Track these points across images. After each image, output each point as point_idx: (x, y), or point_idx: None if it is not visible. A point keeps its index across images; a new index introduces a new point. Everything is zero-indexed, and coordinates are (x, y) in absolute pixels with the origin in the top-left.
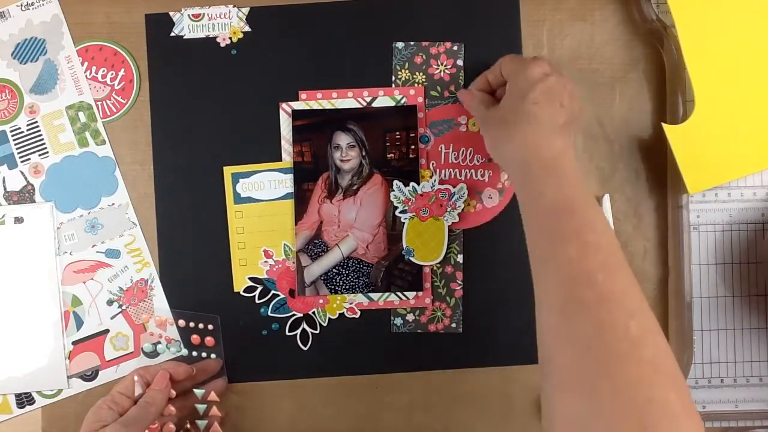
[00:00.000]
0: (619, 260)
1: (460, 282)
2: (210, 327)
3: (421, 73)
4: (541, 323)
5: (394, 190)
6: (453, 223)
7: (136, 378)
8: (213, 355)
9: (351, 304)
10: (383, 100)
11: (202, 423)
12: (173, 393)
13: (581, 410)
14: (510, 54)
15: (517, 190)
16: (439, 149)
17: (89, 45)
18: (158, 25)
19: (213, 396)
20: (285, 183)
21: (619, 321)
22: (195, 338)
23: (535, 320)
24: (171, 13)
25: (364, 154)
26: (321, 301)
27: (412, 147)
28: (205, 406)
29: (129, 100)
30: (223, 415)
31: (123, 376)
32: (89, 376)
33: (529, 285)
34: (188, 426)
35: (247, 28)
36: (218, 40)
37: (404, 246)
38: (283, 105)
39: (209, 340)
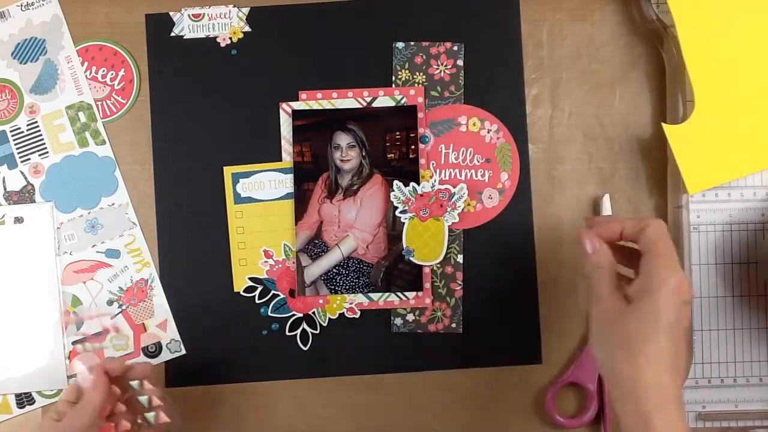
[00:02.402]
0: None
1: (460, 282)
2: None
3: (422, 74)
4: None
5: (394, 190)
6: (453, 223)
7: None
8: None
9: (351, 304)
10: (383, 100)
11: (143, 399)
12: (117, 390)
13: None
14: (660, 220)
15: (622, 420)
16: (439, 149)
17: (89, 45)
18: (158, 25)
19: (147, 385)
20: (285, 183)
21: None
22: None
23: None
24: (171, 13)
25: (364, 154)
26: (321, 301)
27: (412, 147)
28: (140, 390)
29: (129, 100)
30: (163, 403)
31: None
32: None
33: (529, 285)
34: (139, 420)
35: (247, 28)
36: (218, 40)
37: (404, 246)
38: (283, 105)
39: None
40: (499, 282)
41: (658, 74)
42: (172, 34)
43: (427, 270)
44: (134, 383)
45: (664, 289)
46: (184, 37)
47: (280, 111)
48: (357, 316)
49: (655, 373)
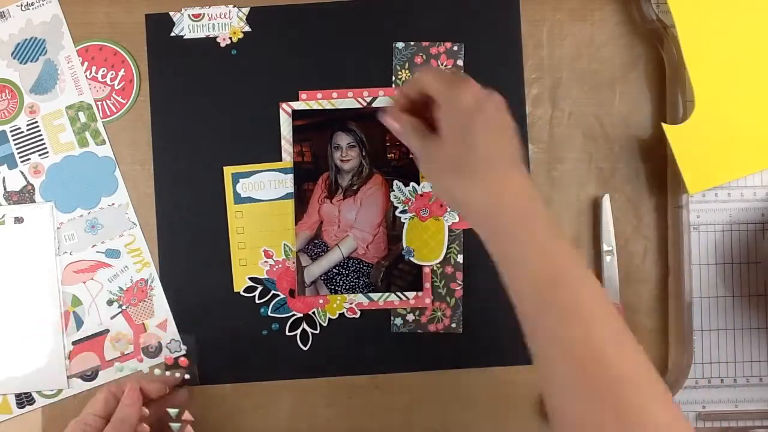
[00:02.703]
0: (626, 333)
1: (460, 282)
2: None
3: None
4: (554, 408)
5: (394, 190)
6: (453, 223)
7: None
8: (186, 376)
9: (351, 304)
10: (383, 100)
11: (175, 426)
12: (146, 412)
13: None
14: (428, 66)
15: (490, 246)
16: None
17: (89, 45)
18: (158, 25)
19: (188, 415)
20: (285, 183)
21: (643, 407)
22: (168, 358)
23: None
24: (171, 13)
25: (364, 154)
26: (321, 301)
27: None
28: (179, 420)
29: (129, 100)
30: (194, 418)
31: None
32: (89, 376)
33: None
34: None
35: (247, 28)
36: (218, 40)
37: (404, 246)
38: (283, 105)
39: (183, 361)
40: (499, 282)
41: (658, 74)
42: (172, 34)
43: (427, 270)
44: (172, 411)
45: (453, 103)
46: (184, 37)
47: (280, 111)
48: (357, 316)
49: (492, 181)
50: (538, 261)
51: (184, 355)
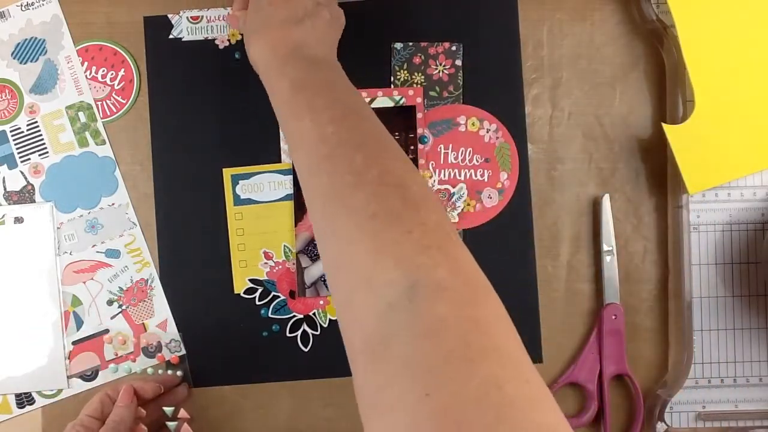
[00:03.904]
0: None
1: None
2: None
3: (420, 74)
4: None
5: None
6: (453, 223)
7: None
8: (179, 373)
9: None
10: (382, 100)
11: (172, 425)
12: (143, 412)
13: None
14: None
15: (273, 103)
16: (438, 149)
17: (89, 45)
18: (157, 27)
19: (183, 413)
20: (285, 184)
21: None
22: (160, 357)
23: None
24: (170, 16)
25: None
26: (321, 302)
27: (411, 147)
28: (174, 418)
29: (129, 100)
30: (190, 416)
31: (98, 386)
32: (89, 376)
33: (529, 285)
34: None
35: None
36: (217, 42)
37: None
38: None
39: (174, 358)
40: (499, 282)
41: (658, 74)
42: (171, 37)
43: None
44: (168, 409)
45: None
46: (183, 40)
47: None
48: None
49: (271, 35)
50: (295, 72)
51: (174, 354)
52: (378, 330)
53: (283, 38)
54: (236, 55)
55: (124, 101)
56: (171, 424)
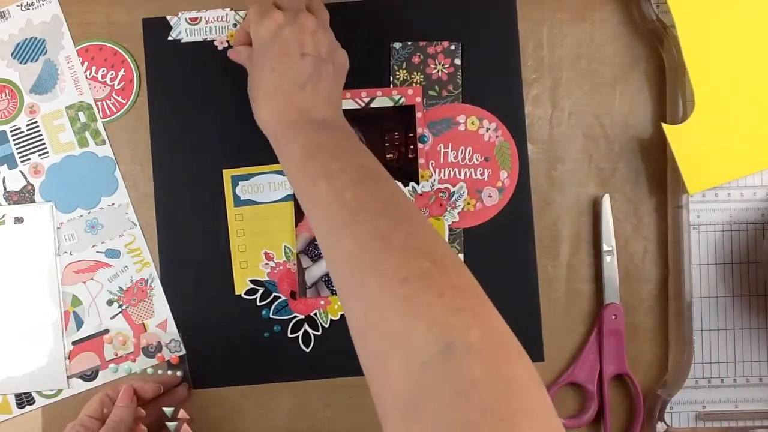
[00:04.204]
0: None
1: None
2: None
3: (419, 73)
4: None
5: None
6: (453, 222)
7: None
8: (178, 373)
9: None
10: (381, 100)
11: (172, 425)
12: (143, 412)
13: None
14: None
15: (284, 168)
16: (438, 149)
17: (89, 45)
18: (155, 28)
19: (183, 413)
20: (284, 185)
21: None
22: (159, 357)
23: None
24: (168, 17)
25: None
26: (322, 302)
27: (411, 147)
28: (174, 418)
29: (129, 100)
30: (190, 416)
31: (100, 384)
32: (89, 376)
33: (529, 284)
34: None
35: None
36: (216, 43)
37: None
38: None
39: (174, 358)
40: (500, 281)
41: (658, 74)
42: (170, 38)
43: None
44: (167, 410)
45: (255, 37)
46: (182, 41)
47: None
48: None
49: (278, 104)
50: (304, 138)
51: (174, 354)
52: (411, 389)
53: (289, 105)
54: None
55: (124, 101)
56: (171, 425)
